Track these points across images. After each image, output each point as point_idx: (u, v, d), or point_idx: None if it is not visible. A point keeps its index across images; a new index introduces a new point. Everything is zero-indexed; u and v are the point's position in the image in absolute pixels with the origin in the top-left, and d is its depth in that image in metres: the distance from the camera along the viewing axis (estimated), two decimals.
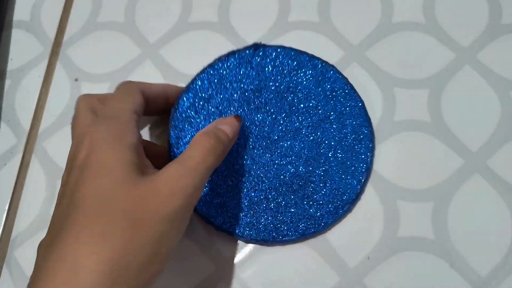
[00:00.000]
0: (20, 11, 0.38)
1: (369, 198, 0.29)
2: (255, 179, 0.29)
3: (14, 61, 0.36)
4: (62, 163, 0.32)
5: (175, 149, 0.30)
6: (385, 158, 0.29)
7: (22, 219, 0.31)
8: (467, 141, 0.29)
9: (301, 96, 0.30)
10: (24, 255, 0.30)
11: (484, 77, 0.31)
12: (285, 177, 0.29)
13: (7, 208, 0.32)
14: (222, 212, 0.29)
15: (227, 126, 0.26)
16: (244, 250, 0.29)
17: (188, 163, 0.22)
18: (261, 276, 0.28)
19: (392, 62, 0.32)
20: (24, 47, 0.36)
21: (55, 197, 0.31)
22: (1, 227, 0.31)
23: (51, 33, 0.37)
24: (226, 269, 0.28)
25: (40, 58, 0.36)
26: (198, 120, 0.31)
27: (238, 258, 0.29)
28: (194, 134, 0.30)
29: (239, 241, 0.29)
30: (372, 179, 0.29)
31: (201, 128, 0.29)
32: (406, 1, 0.33)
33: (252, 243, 0.29)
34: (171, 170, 0.21)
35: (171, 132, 0.30)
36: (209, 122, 0.31)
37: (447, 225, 0.28)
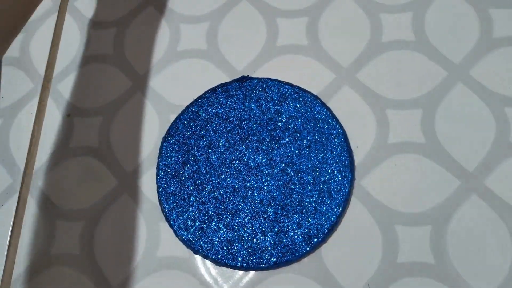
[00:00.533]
0: (10, 47, 0.38)
1: (367, 224, 0.28)
2: (234, 206, 0.29)
3: (5, 99, 0.36)
4: (62, 202, 0.32)
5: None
6: (380, 182, 0.29)
7: (23, 258, 0.31)
8: (463, 160, 0.29)
9: (283, 126, 0.31)
10: None
11: (477, 93, 0.30)
12: (262, 205, 0.29)
13: (6, 249, 0.32)
14: (201, 236, 0.29)
15: None
16: (243, 280, 0.29)
17: None
18: None
19: (384, 83, 0.32)
20: (15, 84, 0.36)
21: (54, 235, 0.31)
22: (2, 269, 0.31)
23: (41, 69, 0.36)
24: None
25: (31, 94, 0.36)
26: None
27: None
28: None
29: (235, 271, 0.29)
30: (368, 204, 0.29)
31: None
32: (395, 20, 0.33)
33: (242, 270, 0.29)
34: None
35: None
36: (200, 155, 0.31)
37: (446, 248, 0.27)
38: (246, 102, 0.32)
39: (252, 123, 0.31)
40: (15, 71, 0.37)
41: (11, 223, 0.32)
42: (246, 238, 0.29)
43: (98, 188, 0.32)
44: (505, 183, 0.28)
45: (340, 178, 0.29)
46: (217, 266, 0.29)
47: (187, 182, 0.31)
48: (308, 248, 0.28)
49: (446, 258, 0.27)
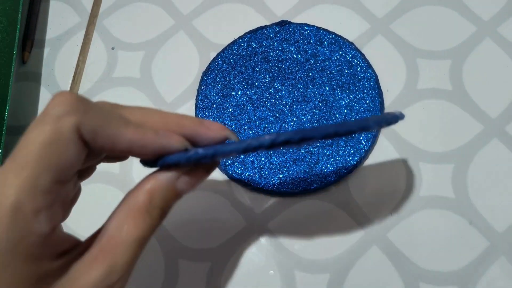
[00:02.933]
0: None
1: (393, 159, 0.30)
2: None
3: (52, 30, 0.38)
4: None
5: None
6: (408, 123, 0.31)
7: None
8: (487, 108, 0.31)
9: (318, 68, 0.33)
10: None
11: (503, 48, 0.32)
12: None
13: None
14: (235, 161, 0.31)
15: (189, 178, 0.20)
16: (272, 204, 0.30)
17: (113, 269, 0.17)
18: (288, 228, 0.30)
19: (416, 35, 0.33)
20: (62, 18, 0.38)
21: None
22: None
23: (88, 5, 0.38)
24: (256, 222, 0.30)
25: (78, 28, 0.38)
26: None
27: (266, 212, 0.30)
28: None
29: (266, 196, 0.31)
30: (395, 142, 0.31)
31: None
32: None
33: (277, 196, 0.30)
34: None
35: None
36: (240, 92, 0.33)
37: (466, 185, 0.29)
38: (284, 44, 0.34)
39: (289, 63, 0.33)
40: (63, 6, 0.39)
41: None
42: (278, 166, 0.30)
43: None
44: None
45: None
46: (249, 191, 0.31)
47: (224, 113, 0.32)
48: (336, 178, 0.30)
49: (465, 193, 0.29)
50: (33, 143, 0.16)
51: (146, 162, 0.20)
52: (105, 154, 0.19)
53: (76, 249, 0.19)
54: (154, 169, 0.20)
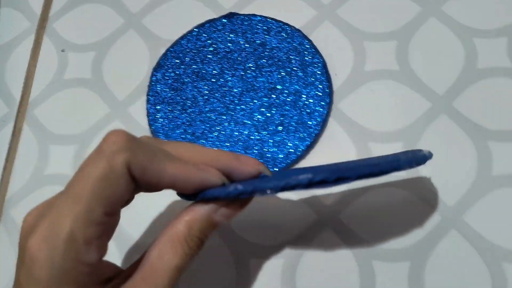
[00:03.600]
0: None
1: (343, 142, 0.30)
2: (220, 128, 0.32)
3: (2, 37, 0.38)
4: (53, 128, 0.34)
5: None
6: (357, 105, 0.31)
7: (17, 179, 0.33)
8: (434, 85, 0.31)
9: (266, 56, 0.33)
10: (20, 213, 0.32)
11: (448, 26, 0.32)
12: (246, 126, 0.31)
13: (1, 171, 0.33)
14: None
15: (226, 211, 0.21)
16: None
17: None
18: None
19: (362, 18, 0.34)
20: (12, 24, 0.38)
21: (47, 161, 0.33)
22: None
23: (38, 9, 0.38)
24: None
25: (27, 33, 0.38)
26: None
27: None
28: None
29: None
30: (345, 124, 0.31)
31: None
32: None
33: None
34: None
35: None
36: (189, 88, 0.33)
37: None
38: (232, 35, 0.34)
39: (238, 54, 0.33)
40: (12, 12, 0.38)
41: (7, 149, 0.34)
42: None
43: (90, 115, 0.34)
44: (471, 104, 0.30)
45: (318, 102, 0.31)
46: None
47: (176, 107, 0.32)
48: (287, 163, 0.30)
49: (415, 171, 0.29)
50: (88, 178, 0.17)
51: (184, 196, 0.21)
52: (152, 188, 0.20)
53: (119, 276, 0.20)
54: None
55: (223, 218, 0.21)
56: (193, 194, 0.21)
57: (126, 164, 0.18)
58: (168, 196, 0.24)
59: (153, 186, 0.19)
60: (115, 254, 0.29)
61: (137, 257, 0.21)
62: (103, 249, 0.19)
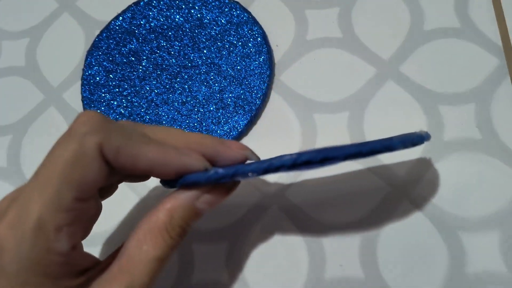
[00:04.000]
0: None
1: (287, 116, 0.29)
2: (157, 109, 0.30)
3: None
4: None
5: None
6: (300, 76, 0.29)
7: None
8: (378, 51, 0.30)
9: (204, 32, 0.31)
10: None
11: None
12: (185, 105, 0.30)
13: None
14: None
15: (209, 197, 0.19)
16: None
17: None
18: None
19: None
20: None
21: None
22: None
23: None
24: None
25: None
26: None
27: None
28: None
29: None
30: (288, 97, 0.29)
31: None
32: None
33: None
34: None
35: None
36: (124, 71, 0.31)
37: (363, 131, 0.28)
38: (168, 12, 0.32)
39: (174, 31, 0.32)
40: None
41: None
42: None
43: (25, 103, 0.32)
44: (419, 68, 0.29)
45: (259, 75, 0.29)
46: None
47: (112, 90, 0.31)
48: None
49: (362, 138, 0.28)
50: (57, 161, 0.16)
51: (166, 183, 0.20)
52: (127, 172, 0.18)
53: (95, 268, 0.18)
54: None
55: (206, 206, 0.19)
56: (176, 182, 0.19)
57: (98, 146, 0.16)
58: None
59: (129, 170, 0.18)
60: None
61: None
62: (76, 237, 0.17)
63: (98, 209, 0.20)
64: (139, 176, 0.22)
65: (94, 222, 0.20)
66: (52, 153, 0.17)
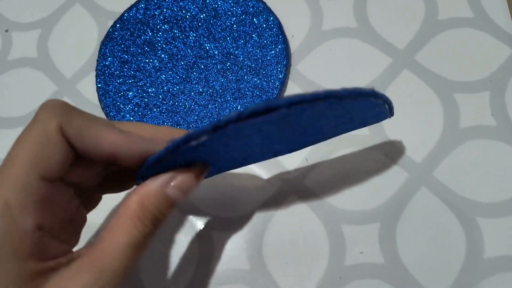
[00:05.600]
0: None
1: None
2: (173, 99, 0.30)
3: None
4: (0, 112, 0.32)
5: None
6: (316, 65, 0.30)
7: None
8: (394, 40, 0.30)
9: (219, 22, 0.31)
10: None
11: None
12: (201, 95, 0.30)
13: None
14: None
15: (179, 183, 0.19)
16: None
17: (103, 275, 0.17)
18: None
19: None
20: None
21: None
22: None
23: None
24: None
25: None
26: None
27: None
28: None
29: None
30: (304, 86, 0.29)
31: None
32: None
33: None
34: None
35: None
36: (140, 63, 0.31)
37: (381, 124, 0.28)
38: (183, 2, 0.32)
39: (190, 21, 0.32)
40: None
41: None
42: (186, 127, 0.29)
43: (38, 95, 0.32)
44: (434, 57, 0.29)
45: (275, 64, 0.29)
46: None
47: (127, 80, 0.31)
48: None
49: (380, 128, 0.28)
50: (22, 143, 0.17)
51: (141, 176, 0.19)
52: (92, 157, 0.18)
53: (66, 256, 0.18)
54: None
55: (178, 192, 0.19)
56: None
57: (59, 127, 0.17)
58: None
59: (93, 154, 0.18)
60: None
61: None
62: (41, 218, 0.17)
63: (83, 219, 0.21)
64: (116, 179, 0.22)
65: (79, 230, 0.20)
66: (18, 138, 0.18)
